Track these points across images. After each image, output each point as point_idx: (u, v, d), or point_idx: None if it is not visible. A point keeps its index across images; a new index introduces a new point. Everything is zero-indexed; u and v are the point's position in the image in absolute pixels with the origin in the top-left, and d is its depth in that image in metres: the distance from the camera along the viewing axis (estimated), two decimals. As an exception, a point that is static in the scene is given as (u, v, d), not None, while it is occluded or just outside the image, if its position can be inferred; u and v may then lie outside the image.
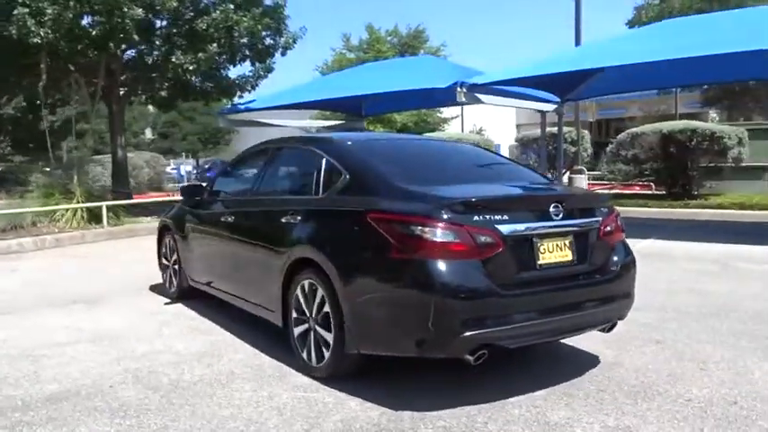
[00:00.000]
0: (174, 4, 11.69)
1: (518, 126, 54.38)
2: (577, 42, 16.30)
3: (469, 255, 3.29)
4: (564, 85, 13.27)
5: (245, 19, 12.79)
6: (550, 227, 3.57)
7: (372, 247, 3.51)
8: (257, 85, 16.33)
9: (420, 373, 3.94)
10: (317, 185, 4.19)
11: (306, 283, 3.99)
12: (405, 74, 13.90)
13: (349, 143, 4.46)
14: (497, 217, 3.39)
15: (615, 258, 3.88)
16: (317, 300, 3.87)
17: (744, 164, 14.77)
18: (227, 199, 5.45)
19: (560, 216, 3.61)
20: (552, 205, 3.60)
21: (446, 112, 39.90)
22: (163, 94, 14.47)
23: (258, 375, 4.04)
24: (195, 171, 40.52)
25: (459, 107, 36.36)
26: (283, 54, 15.45)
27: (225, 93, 16.20)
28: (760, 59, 10.12)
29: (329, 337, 3.78)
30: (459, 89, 10.83)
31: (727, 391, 3.64)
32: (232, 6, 12.48)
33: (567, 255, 3.63)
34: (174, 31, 12.17)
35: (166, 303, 6.15)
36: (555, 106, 14.50)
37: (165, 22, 11.94)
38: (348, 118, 18.35)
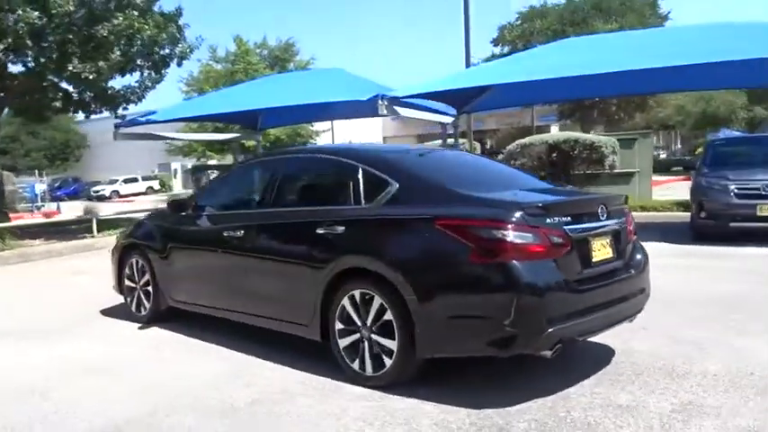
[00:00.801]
0: (71, 8, 10.80)
1: (384, 138, 55.95)
2: (467, 60, 17.27)
3: (546, 255, 3.52)
4: (461, 99, 14.05)
5: (146, 27, 12.13)
6: (600, 227, 3.90)
7: (445, 252, 3.62)
8: (144, 97, 15.53)
9: (461, 372, 4.08)
10: (356, 195, 4.21)
11: (356, 292, 3.99)
12: (313, 86, 13.88)
13: (385, 153, 4.52)
14: (564, 219, 3.66)
15: (638, 255, 4.29)
16: (374, 308, 3.89)
17: (616, 170, 16.40)
18: (226, 213, 5.23)
19: (605, 217, 3.94)
20: (600, 207, 3.92)
21: (317, 125, 40.17)
22: (57, 104, 13.24)
23: (312, 390, 3.97)
24: (50, 190, 37.42)
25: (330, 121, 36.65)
26: (179, 64, 14.84)
27: (108, 104, 15.19)
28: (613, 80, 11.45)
29: (391, 344, 3.82)
30: (380, 102, 11.04)
31: (739, 365, 4.13)
32: (136, 13, 11.78)
33: (608, 252, 3.97)
34: (70, 37, 11.22)
35: (141, 328, 5.75)
36: (452, 119, 15.25)
37: (59, 28, 10.94)
38: (241, 131, 17.93)
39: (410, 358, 3.79)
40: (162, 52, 13.98)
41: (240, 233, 4.82)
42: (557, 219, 3.62)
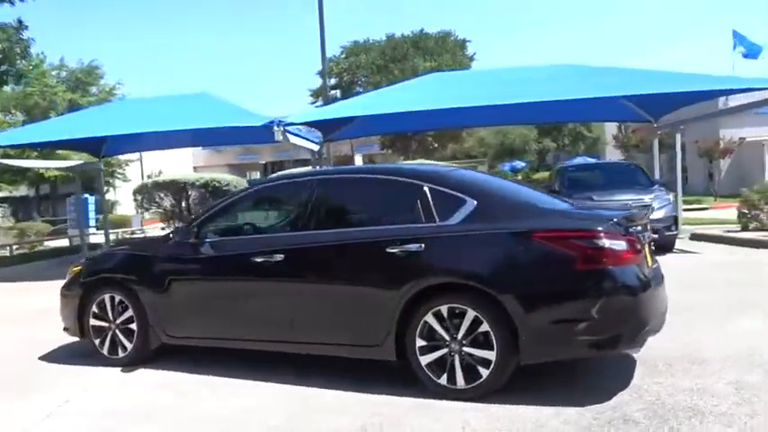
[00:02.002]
0: None
1: (195, 168, 53.84)
2: (324, 84, 17.61)
3: (634, 260, 3.95)
4: (328, 127, 14.39)
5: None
6: (648, 235, 4.43)
7: (549, 262, 3.88)
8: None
9: (525, 379, 4.27)
10: (427, 213, 4.28)
11: (443, 308, 4.07)
12: (178, 112, 13.16)
13: (446, 172, 4.65)
14: (636, 228, 4.12)
15: (656, 264, 4.91)
16: (467, 322, 4.00)
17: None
18: (253, 238, 4.92)
19: (648, 227, 4.50)
20: (647, 219, 4.47)
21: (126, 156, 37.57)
22: None
23: (408, 410, 3.93)
24: None
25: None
26: (17, 83, 13.19)
27: None
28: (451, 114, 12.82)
29: (489, 354, 3.96)
30: (276, 128, 10.94)
31: (740, 347, 4.83)
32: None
33: (649, 258, 4.52)
34: None
35: (126, 370, 5.12)
36: (318, 147, 15.46)
37: None
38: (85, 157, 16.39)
39: (507, 367, 3.96)
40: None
41: (279, 258, 4.58)
42: (632, 228, 4.08)
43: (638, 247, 4.02)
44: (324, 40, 17.81)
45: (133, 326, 5.19)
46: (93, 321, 5.37)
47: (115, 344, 5.28)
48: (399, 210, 4.51)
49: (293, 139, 11.99)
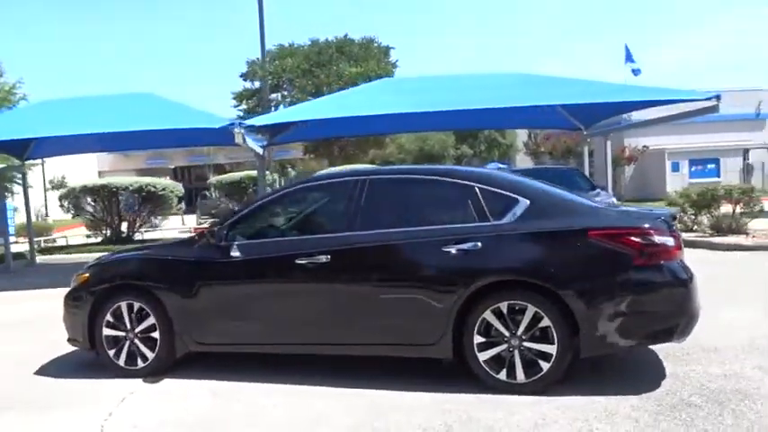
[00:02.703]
0: None
1: (100, 173, 51.18)
2: (264, 87, 17.31)
3: (680, 255, 4.23)
4: (274, 131, 14.24)
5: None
6: None
7: (607, 259, 4.10)
8: None
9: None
10: (480, 213, 4.40)
11: (503, 305, 4.19)
12: (123, 112, 12.56)
13: (493, 173, 4.76)
14: (675, 225, 4.43)
15: None
16: (527, 318, 4.15)
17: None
18: (294, 239, 4.83)
19: None
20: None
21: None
22: None
23: (482, 406, 4.01)
24: None
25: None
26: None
27: None
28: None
29: (550, 348, 4.12)
30: (237, 130, 10.68)
31: (739, 337, 5.27)
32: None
33: None
34: None
35: (149, 381, 4.88)
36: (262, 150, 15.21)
37: None
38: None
39: (566, 360, 4.14)
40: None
41: (327, 259, 4.54)
42: (674, 225, 4.38)
43: (681, 243, 4.31)
44: (264, 41, 17.56)
45: (155, 334, 4.96)
46: (106, 331, 5.08)
47: (133, 354, 5.03)
48: (451, 209, 4.60)
49: (249, 142, 11.73)
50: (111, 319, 5.07)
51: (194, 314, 4.88)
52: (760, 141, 34.90)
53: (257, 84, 29.83)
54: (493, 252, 4.27)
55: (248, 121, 11.22)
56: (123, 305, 5.04)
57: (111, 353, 5.07)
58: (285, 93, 30.67)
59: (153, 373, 4.97)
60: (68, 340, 5.33)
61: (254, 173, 18.04)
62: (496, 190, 4.47)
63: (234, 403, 4.33)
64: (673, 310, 4.08)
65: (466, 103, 12.89)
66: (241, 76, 31.77)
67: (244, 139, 10.93)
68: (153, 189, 16.56)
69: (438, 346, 4.34)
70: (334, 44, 31.92)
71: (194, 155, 48.05)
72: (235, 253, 4.82)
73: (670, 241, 4.15)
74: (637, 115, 19.65)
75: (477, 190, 4.48)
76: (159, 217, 18.18)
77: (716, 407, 3.81)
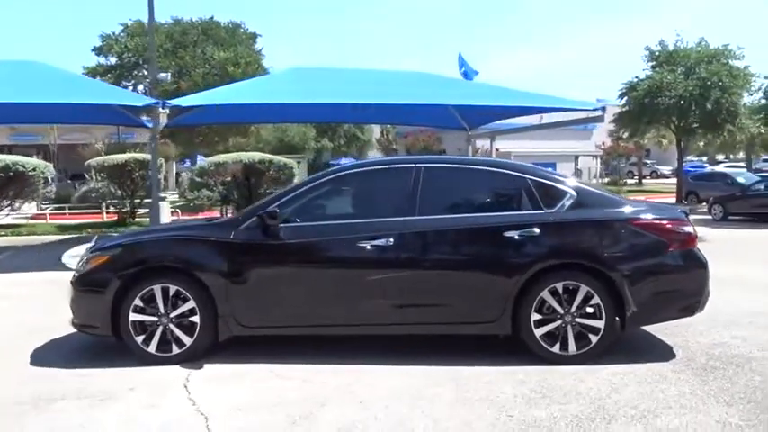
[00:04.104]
0: None
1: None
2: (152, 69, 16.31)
3: (697, 242, 4.97)
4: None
5: None
6: None
7: (648, 245, 4.73)
8: None
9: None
10: (534, 202, 4.82)
11: (559, 285, 4.66)
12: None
13: (536, 167, 5.16)
14: None
15: None
16: (580, 296, 4.66)
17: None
18: (357, 222, 4.88)
19: None
20: None
21: None
22: None
23: (548, 375, 4.43)
24: None
25: None
26: None
27: None
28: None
29: (598, 323, 4.66)
30: (161, 110, 10.15)
31: (725, 310, 6.13)
32: None
33: None
34: None
35: (187, 366, 4.66)
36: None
37: None
38: None
39: (612, 333, 4.71)
40: None
41: (389, 242, 4.69)
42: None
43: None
44: (152, 15, 16.51)
45: (194, 318, 4.77)
46: (134, 316, 4.78)
47: (168, 339, 4.79)
48: (507, 199, 4.99)
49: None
50: (140, 304, 4.78)
51: (242, 297, 4.77)
52: (588, 149, 39.34)
53: (113, 60, 27.80)
54: (550, 238, 4.73)
55: (174, 101, 10.67)
56: (157, 289, 4.78)
57: (139, 339, 4.79)
58: (146, 71, 28.84)
59: (188, 359, 4.78)
60: (77, 326, 4.95)
61: (141, 156, 16.96)
62: (548, 182, 4.92)
63: (302, 383, 4.34)
64: (696, 288, 4.80)
65: (374, 97, 13.32)
66: (94, 51, 29.33)
67: (166, 120, 10.42)
68: (22, 169, 14.90)
69: (498, 322, 4.71)
70: (199, 25, 30.63)
71: (17, 133, 42.99)
72: (288, 234, 4.79)
73: (692, 230, 4.87)
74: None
75: (529, 182, 4.90)
76: (21, 200, 16.35)
77: (736, 368, 4.57)
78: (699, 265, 4.82)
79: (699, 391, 4.09)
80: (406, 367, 4.62)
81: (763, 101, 24.59)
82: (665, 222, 4.80)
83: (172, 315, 4.79)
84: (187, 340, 4.79)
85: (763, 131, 28.45)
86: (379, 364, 4.67)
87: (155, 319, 4.79)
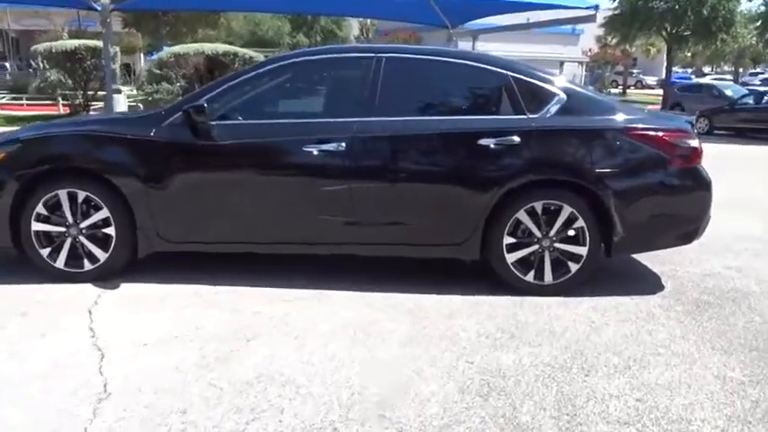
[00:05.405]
0: None
1: None
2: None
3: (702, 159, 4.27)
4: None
5: None
6: None
7: (646, 160, 4.00)
8: None
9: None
10: (515, 105, 4.03)
11: (537, 204, 3.98)
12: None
13: (523, 63, 4.30)
14: None
15: None
16: (561, 218, 3.99)
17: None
18: (291, 122, 4.06)
19: None
20: None
21: None
22: None
23: (528, 306, 3.84)
24: None
25: None
26: None
27: None
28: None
29: (580, 250, 4.02)
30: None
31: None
32: None
33: None
34: None
35: (100, 285, 3.98)
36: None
37: None
38: None
39: (595, 261, 4.08)
40: None
41: (341, 146, 3.91)
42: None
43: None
44: None
45: (109, 230, 4.03)
46: (37, 226, 4.02)
47: (79, 254, 4.06)
48: (484, 100, 4.20)
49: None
50: (43, 212, 4.01)
51: (164, 207, 4.02)
52: (574, 55, 37.90)
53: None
54: (532, 148, 3.97)
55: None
56: (62, 194, 3.99)
57: (44, 252, 4.06)
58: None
59: (100, 277, 4.08)
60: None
61: (92, 42, 15.55)
62: (532, 81, 4.11)
63: (231, 313, 3.68)
64: (698, 213, 4.14)
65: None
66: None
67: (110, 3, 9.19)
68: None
69: (464, 246, 4.04)
70: None
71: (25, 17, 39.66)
72: (221, 134, 3.98)
73: (698, 145, 4.15)
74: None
75: (511, 80, 4.09)
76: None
77: (732, 305, 4.02)
78: (702, 185, 4.12)
79: (691, 335, 3.51)
80: (360, 294, 3.96)
81: (763, 8, 23.38)
82: (666, 134, 4.06)
83: (82, 226, 4.04)
84: (101, 255, 4.07)
85: (755, 41, 27.38)
86: (329, 290, 4.02)
87: (62, 229, 4.04)
